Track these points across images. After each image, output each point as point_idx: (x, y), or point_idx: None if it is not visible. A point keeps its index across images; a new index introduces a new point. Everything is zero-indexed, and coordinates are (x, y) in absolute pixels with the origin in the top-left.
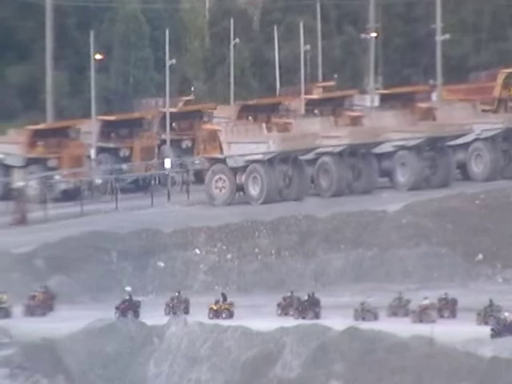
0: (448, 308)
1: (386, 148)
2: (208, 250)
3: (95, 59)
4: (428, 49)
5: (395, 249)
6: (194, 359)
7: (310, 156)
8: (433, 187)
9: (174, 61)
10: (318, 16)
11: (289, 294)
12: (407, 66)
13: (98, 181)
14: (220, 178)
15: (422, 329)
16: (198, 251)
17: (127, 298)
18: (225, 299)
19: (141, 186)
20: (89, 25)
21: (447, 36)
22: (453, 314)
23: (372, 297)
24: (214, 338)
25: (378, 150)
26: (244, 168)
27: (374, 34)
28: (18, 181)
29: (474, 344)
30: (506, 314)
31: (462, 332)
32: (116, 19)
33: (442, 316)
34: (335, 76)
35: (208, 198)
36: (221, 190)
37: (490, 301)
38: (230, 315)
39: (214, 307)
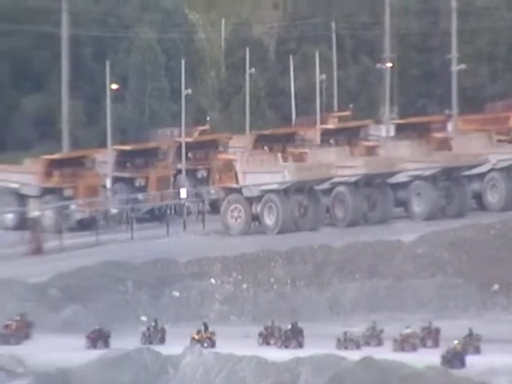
0: (431, 337)
1: (401, 178)
2: (223, 280)
3: (111, 89)
4: (443, 79)
5: (410, 279)
6: None
7: (325, 186)
8: (448, 217)
9: (189, 91)
10: (334, 46)
11: (269, 324)
12: (422, 96)
13: (114, 210)
14: (235, 208)
15: (436, 359)
16: (213, 281)
17: (97, 328)
18: (206, 328)
19: (156, 216)
20: (104, 55)
21: (463, 66)
22: (436, 344)
23: (356, 327)
24: (228, 367)
25: (393, 180)
26: (259, 198)
27: (389, 64)
28: (33, 210)
29: (488, 375)
30: (456, 342)
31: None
32: (132, 49)
33: (424, 345)
34: (351, 106)
35: (223, 228)
36: (236, 220)
37: (470, 330)
38: (212, 344)
39: (196, 337)
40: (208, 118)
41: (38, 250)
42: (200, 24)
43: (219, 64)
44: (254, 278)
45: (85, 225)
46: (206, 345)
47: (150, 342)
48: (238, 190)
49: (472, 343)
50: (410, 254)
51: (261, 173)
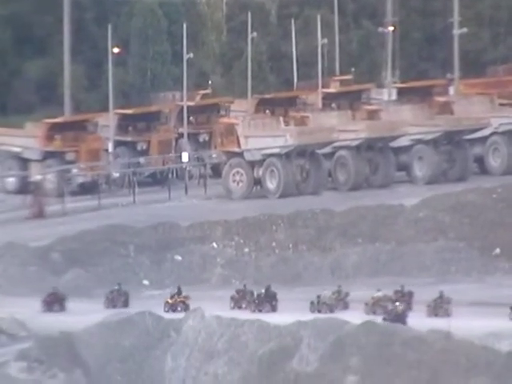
0: (404, 301)
1: (403, 142)
2: (225, 244)
3: (113, 53)
4: (445, 43)
5: (412, 243)
6: (211, 353)
7: (327, 150)
8: (450, 181)
9: (191, 55)
10: (336, 10)
11: (242, 288)
12: (424, 60)
13: (116, 174)
14: (237, 172)
15: (439, 323)
16: (215, 245)
17: (52, 291)
18: (179, 292)
19: (158, 180)
20: (106, 19)
21: (464, 30)
22: (409, 307)
23: (327, 289)
24: (231, 331)
25: (395, 143)
26: (261, 162)
27: (391, 28)
28: (35, 174)
29: (491, 338)
30: (397, 303)
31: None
32: (133, 13)
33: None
34: (352, 70)
35: (225, 192)
36: (238, 184)
37: (440, 292)
38: (186, 308)
39: (170, 301)
40: (210, 82)
41: (39, 214)
42: None
43: (221, 28)
44: (255, 242)
45: (87, 189)
46: (179, 308)
47: (114, 306)
48: (240, 154)
49: (442, 305)
50: (411, 218)
51: (263, 137)
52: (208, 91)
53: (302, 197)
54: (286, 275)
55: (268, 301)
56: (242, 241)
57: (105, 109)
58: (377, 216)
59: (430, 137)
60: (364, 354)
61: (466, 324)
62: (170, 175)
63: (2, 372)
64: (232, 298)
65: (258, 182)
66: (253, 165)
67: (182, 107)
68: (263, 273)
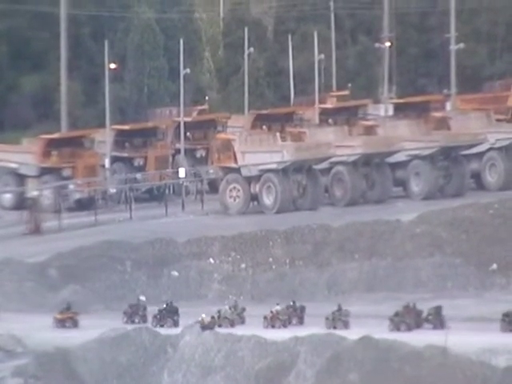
0: (296, 315)
1: (399, 157)
2: (222, 260)
3: (109, 69)
4: (442, 58)
5: (409, 258)
6: (208, 369)
7: (323, 165)
8: (447, 197)
9: (188, 70)
10: (333, 25)
11: (135, 302)
12: (421, 76)
13: (112, 190)
14: (234, 188)
15: (436, 338)
16: (212, 261)
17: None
18: (69, 308)
19: (155, 196)
20: (103, 35)
21: (461, 45)
22: (300, 321)
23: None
24: (227, 347)
25: (391, 159)
26: (258, 177)
27: (388, 44)
28: (32, 190)
29: (487, 354)
30: (203, 315)
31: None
32: (130, 29)
33: (290, 322)
34: (349, 85)
35: (222, 208)
36: (235, 200)
37: (339, 305)
38: (75, 324)
39: (59, 316)
40: (206, 98)
41: (36, 230)
42: (198, 3)
43: (218, 43)
44: (252, 257)
45: (83, 205)
46: (67, 325)
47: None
48: (237, 170)
49: (341, 318)
50: (408, 234)
51: (259, 152)
52: (205, 107)
53: (299, 212)
54: (283, 291)
55: (170, 316)
56: (238, 256)
57: (101, 125)
58: (374, 231)
59: (426, 152)
60: (361, 369)
61: (462, 339)
62: (166, 191)
63: None
64: (125, 312)
65: (254, 197)
66: (250, 180)
67: (179, 123)
68: (260, 288)
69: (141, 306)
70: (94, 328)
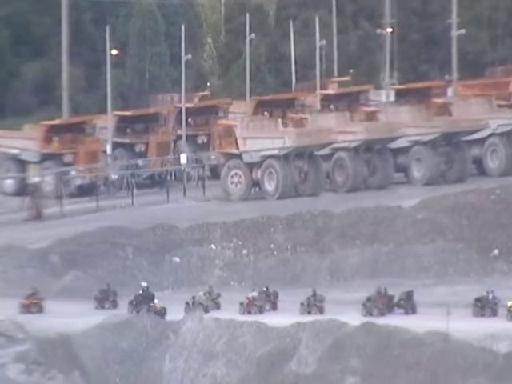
0: (269, 301)
1: (401, 143)
2: (224, 246)
3: (111, 55)
4: (444, 44)
5: (411, 244)
6: (209, 354)
7: (325, 151)
8: (448, 182)
9: (189, 56)
10: (334, 11)
11: (105, 288)
12: (423, 62)
13: (114, 176)
14: (236, 174)
15: (437, 325)
16: (213, 247)
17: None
18: (34, 294)
19: (156, 182)
20: (104, 20)
21: (463, 31)
22: (274, 307)
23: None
24: (229, 333)
25: (393, 145)
26: (260, 163)
27: (389, 30)
28: (33, 176)
29: (489, 340)
30: (156, 301)
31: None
32: (132, 14)
33: (264, 308)
34: (351, 71)
35: (224, 194)
36: (236, 186)
37: (313, 290)
38: (39, 310)
39: (25, 302)
40: (208, 84)
41: (37, 216)
42: None
43: (219, 29)
44: (254, 243)
45: (85, 191)
46: (32, 310)
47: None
48: (239, 156)
49: (316, 304)
50: (410, 220)
51: (261, 138)
52: (206, 93)
53: (301, 198)
54: (285, 277)
55: (146, 302)
56: (240, 242)
57: (103, 111)
58: (375, 217)
59: (428, 138)
60: (363, 355)
61: (464, 325)
62: (168, 177)
63: (0, 374)
64: (95, 298)
65: (256, 183)
66: (251, 166)
67: (181, 109)
68: (262, 274)
69: (111, 291)
70: (95, 314)
